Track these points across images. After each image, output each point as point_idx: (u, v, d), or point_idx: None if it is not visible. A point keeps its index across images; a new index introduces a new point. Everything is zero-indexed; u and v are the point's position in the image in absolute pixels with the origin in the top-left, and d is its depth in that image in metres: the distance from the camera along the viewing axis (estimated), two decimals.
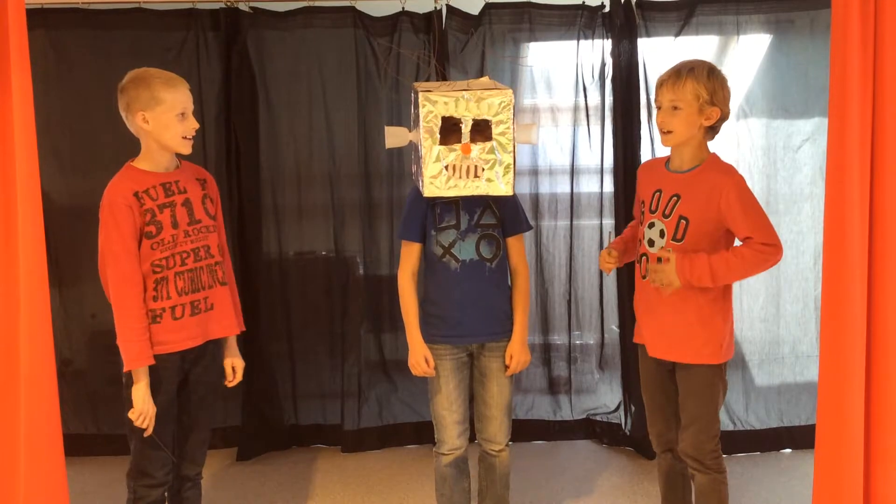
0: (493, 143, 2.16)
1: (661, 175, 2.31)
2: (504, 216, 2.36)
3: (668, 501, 2.47)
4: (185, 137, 2.22)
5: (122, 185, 2.20)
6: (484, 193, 2.21)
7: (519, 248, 2.39)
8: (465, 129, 2.15)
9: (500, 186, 2.19)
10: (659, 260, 2.22)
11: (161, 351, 2.20)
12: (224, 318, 2.32)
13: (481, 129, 2.17)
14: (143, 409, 2.17)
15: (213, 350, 2.34)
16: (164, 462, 2.25)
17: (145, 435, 2.18)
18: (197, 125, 2.25)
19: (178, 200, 2.22)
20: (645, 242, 2.30)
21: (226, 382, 2.42)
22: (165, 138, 2.21)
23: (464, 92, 2.15)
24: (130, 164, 2.27)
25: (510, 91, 2.17)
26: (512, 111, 2.16)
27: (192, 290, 2.23)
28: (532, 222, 3.45)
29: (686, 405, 2.27)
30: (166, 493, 2.32)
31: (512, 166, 2.18)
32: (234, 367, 2.40)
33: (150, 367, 2.18)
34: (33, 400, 2.03)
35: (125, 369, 2.18)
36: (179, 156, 2.31)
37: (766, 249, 2.14)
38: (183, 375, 2.28)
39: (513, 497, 2.96)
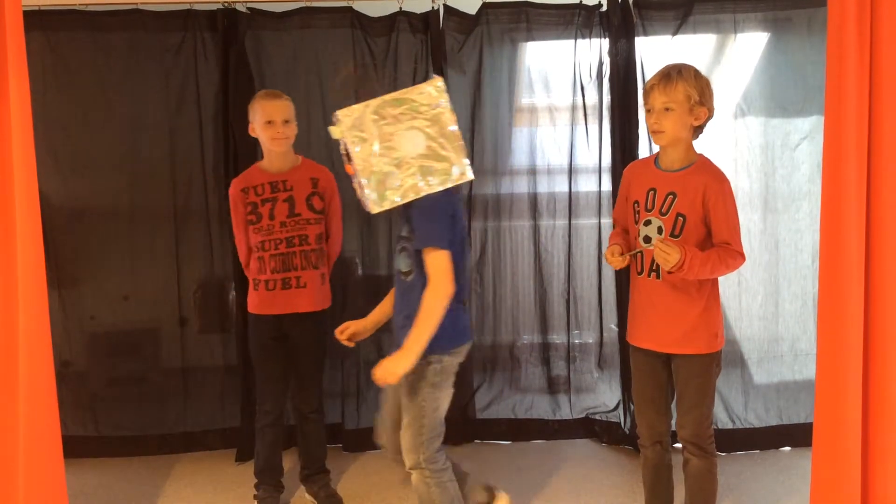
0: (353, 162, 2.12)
1: (653, 174, 2.38)
2: (411, 230, 2.22)
3: (654, 493, 2.51)
4: (273, 139, 2.70)
5: (238, 180, 2.80)
6: (372, 211, 2.14)
7: (429, 263, 2.16)
8: (342, 150, 2.14)
9: (368, 204, 2.12)
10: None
11: (259, 312, 2.80)
12: (314, 295, 2.81)
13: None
14: None
15: (310, 320, 2.82)
16: (270, 395, 2.83)
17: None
18: (284, 131, 2.71)
19: (281, 197, 2.74)
20: (640, 239, 2.36)
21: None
22: (262, 142, 2.75)
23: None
24: (255, 164, 2.84)
25: (356, 106, 2.09)
26: (345, 124, 2.08)
27: (284, 269, 2.74)
28: (530, 221, 3.46)
29: (686, 394, 2.34)
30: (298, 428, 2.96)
31: (360, 184, 2.09)
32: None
33: (254, 322, 2.83)
34: (32, 402, 2.04)
35: None
36: (303, 154, 2.85)
37: (738, 257, 2.26)
38: (284, 335, 2.81)
39: (513, 496, 2.97)
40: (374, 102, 2.11)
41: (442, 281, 2.15)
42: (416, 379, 2.23)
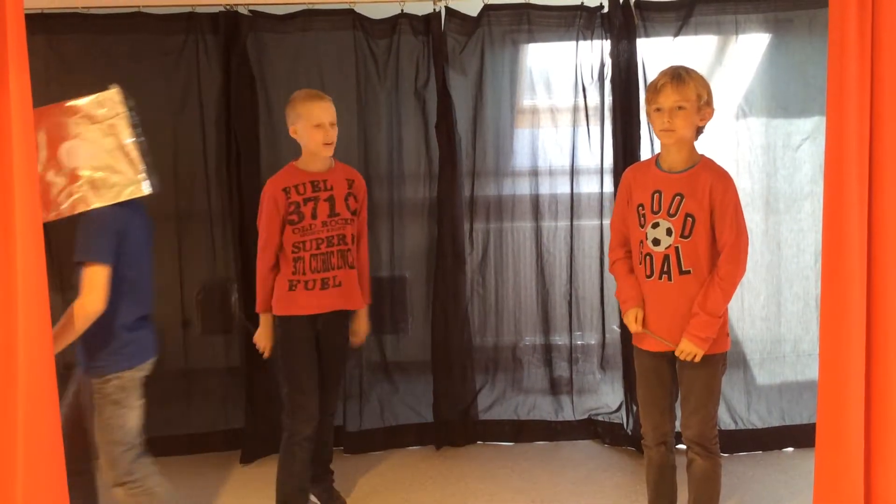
0: None
1: (656, 176, 2.39)
2: None
3: (658, 493, 2.51)
4: (325, 143, 2.65)
5: (277, 180, 2.70)
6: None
7: (83, 276, 2.11)
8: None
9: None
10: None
11: (296, 313, 2.71)
12: (350, 295, 2.79)
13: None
14: (257, 341, 2.80)
15: (341, 319, 2.81)
16: (310, 402, 2.71)
17: (265, 357, 2.79)
18: (333, 134, 2.65)
19: (323, 196, 2.70)
20: (649, 242, 2.36)
21: (353, 342, 2.89)
22: (308, 145, 2.67)
23: None
24: (292, 163, 2.75)
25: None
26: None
27: (324, 269, 2.70)
28: (532, 223, 3.47)
29: (692, 394, 2.36)
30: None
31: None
32: (356, 330, 2.88)
33: (288, 323, 2.72)
34: (32, 403, 2.03)
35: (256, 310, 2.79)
36: (336, 157, 2.77)
37: (737, 262, 2.27)
38: (316, 335, 2.75)
39: (515, 496, 2.97)
40: (43, 111, 2.03)
41: (89, 296, 2.09)
42: (98, 398, 2.19)
